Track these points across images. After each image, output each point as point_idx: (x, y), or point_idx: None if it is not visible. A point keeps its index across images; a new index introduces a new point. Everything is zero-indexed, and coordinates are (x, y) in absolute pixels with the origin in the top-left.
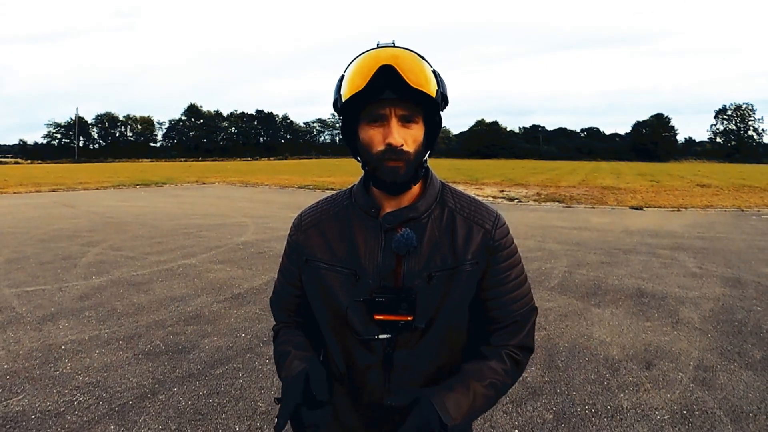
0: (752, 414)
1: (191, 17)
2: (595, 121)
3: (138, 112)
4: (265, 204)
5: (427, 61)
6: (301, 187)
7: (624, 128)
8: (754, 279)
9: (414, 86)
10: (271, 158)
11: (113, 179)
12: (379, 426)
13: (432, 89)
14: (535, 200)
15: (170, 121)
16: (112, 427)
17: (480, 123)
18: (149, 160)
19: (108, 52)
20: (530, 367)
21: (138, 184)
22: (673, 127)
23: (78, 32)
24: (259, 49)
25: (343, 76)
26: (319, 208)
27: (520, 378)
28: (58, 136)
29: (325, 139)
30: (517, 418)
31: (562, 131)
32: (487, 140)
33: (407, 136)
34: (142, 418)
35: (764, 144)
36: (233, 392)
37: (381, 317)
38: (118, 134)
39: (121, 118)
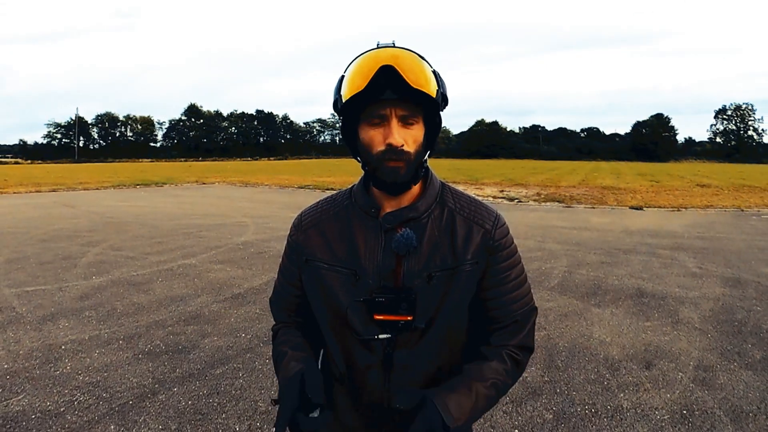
0: (752, 414)
1: (191, 17)
2: (595, 121)
3: (138, 112)
4: (265, 204)
5: (427, 62)
6: (301, 187)
7: (624, 128)
8: (754, 279)
9: (414, 86)
10: (271, 158)
11: (113, 179)
12: (379, 426)
13: (432, 89)
14: (535, 200)
15: (170, 121)
16: (112, 427)
17: (480, 123)
18: (149, 160)
19: (108, 52)
20: (530, 367)
21: (138, 184)
22: (673, 127)
23: (78, 32)
24: (259, 49)
25: (343, 77)
26: (319, 208)
27: (520, 378)
28: (58, 136)
29: (325, 139)
30: (517, 418)
31: (562, 131)
32: (487, 140)
33: (408, 137)
34: (143, 418)
35: (764, 144)
36: (233, 392)
37: (381, 317)
38: (118, 134)
39: (121, 118)
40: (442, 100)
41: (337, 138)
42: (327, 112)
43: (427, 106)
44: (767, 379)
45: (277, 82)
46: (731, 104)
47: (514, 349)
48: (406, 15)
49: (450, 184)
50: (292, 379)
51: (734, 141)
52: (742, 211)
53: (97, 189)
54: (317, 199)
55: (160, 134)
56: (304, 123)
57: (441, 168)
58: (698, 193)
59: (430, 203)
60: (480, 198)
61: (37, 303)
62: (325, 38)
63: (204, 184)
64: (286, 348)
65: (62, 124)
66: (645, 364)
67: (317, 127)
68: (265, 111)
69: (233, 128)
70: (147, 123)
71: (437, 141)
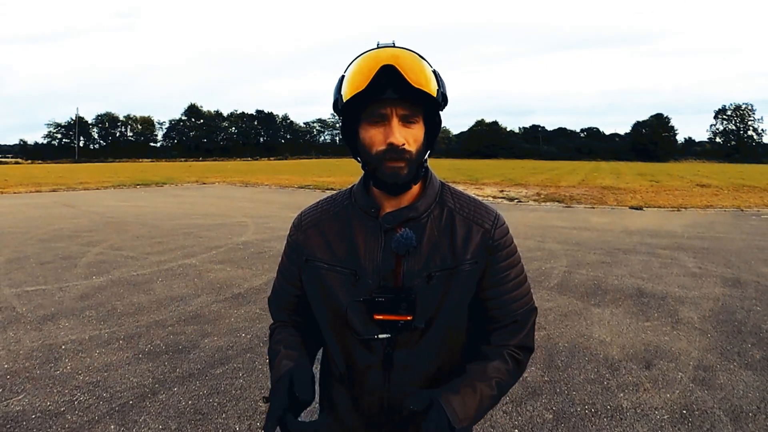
0: (752, 414)
1: (191, 17)
2: (595, 121)
3: (138, 112)
4: (265, 204)
5: (426, 61)
6: (301, 187)
7: (624, 128)
8: (753, 279)
9: (415, 86)
10: (271, 158)
11: (113, 179)
12: (379, 426)
13: (433, 89)
14: (534, 200)
15: (170, 121)
16: (112, 426)
17: (480, 123)
18: (149, 160)
19: (108, 52)
20: (530, 367)
21: (138, 184)
22: (672, 127)
23: (78, 32)
24: (259, 49)
25: (343, 77)
26: (319, 208)
27: (520, 378)
28: (59, 136)
29: (325, 139)
30: (517, 418)
31: (561, 131)
32: (487, 140)
33: (408, 136)
34: (143, 417)
35: (764, 144)
36: (233, 392)
37: (381, 317)
38: (118, 134)
39: (121, 118)
40: (442, 99)
41: (337, 138)
42: (327, 112)
43: (428, 106)
44: (767, 379)
45: (277, 82)
46: (731, 104)
47: (515, 349)
48: (406, 15)
49: (449, 184)
50: (282, 377)
51: (734, 141)
52: (742, 211)
53: (98, 189)
54: (317, 199)
55: (160, 134)
56: (304, 123)
57: (441, 168)
58: (698, 193)
59: (430, 203)
60: (480, 198)
61: (37, 303)
62: (325, 38)
63: (204, 184)
64: (280, 346)
65: (62, 124)
66: (645, 364)
67: (317, 127)
68: (265, 111)
69: (233, 128)
70: (147, 123)
71: (437, 141)
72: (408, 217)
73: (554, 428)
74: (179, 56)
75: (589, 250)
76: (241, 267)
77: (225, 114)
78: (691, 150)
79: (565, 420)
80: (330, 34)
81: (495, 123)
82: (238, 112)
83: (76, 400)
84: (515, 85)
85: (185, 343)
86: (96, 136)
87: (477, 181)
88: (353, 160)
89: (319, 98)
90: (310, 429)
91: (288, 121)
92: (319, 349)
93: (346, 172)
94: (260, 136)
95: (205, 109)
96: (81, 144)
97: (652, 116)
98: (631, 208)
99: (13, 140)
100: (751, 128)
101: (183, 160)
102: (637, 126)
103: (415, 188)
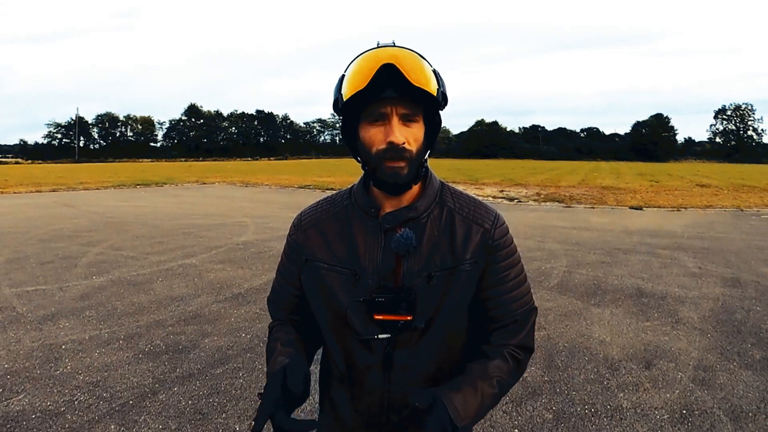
0: (752, 414)
1: (191, 17)
2: (595, 121)
3: (138, 112)
4: (265, 204)
5: (426, 61)
6: (301, 187)
7: (624, 128)
8: (753, 279)
9: (415, 85)
10: (271, 158)
11: (113, 179)
12: (379, 426)
13: (433, 88)
14: (534, 200)
15: (170, 121)
16: (112, 426)
17: (480, 123)
18: (149, 160)
19: (108, 52)
20: (530, 367)
21: (138, 184)
22: (672, 127)
23: (78, 32)
24: (259, 49)
25: (343, 76)
26: (319, 208)
27: (520, 378)
28: (59, 136)
29: (325, 139)
30: (517, 417)
31: (561, 131)
32: (487, 140)
33: (408, 135)
34: (143, 417)
35: (764, 144)
36: (233, 392)
37: (381, 317)
38: (118, 134)
39: (121, 118)
40: (442, 99)
41: (337, 138)
42: (327, 112)
43: (428, 105)
44: (767, 379)
45: (277, 82)
46: (731, 104)
47: (515, 349)
48: (406, 15)
49: (449, 184)
50: (276, 372)
51: (734, 141)
52: (742, 211)
53: (98, 189)
54: (317, 199)
55: (160, 134)
56: (304, 123)
57: (441, 168)
58: (698, 193)
59: (430, 203)
60: (480, 198)
61: (37, 303)
62: (325, 38)
63: (204, 184)
64: (277, 344)
65: (62, 124)
66: (645, 364)
67: (317, 127)
68: (265, 111)
69: (233, 128)
70: (147, 123)
71: (437, 140)
72: (408, 217)
73: (554, 428)
74: (179, 56)
75: (589, 250)
76: (241, 267)
77: (225, 114)
78: (691, 150)
79: (565, 420)
80: (330, 34)
81: (495, 123)
82: (238, 112)
83: (76, 400)
84: (515, 85)
85: (185, 343)
86: (96, 136)
87: (477, 181)
88: (353, 160)
89: (319, 98)
90: (300, 426)
91: (288, 121)
92: (318, 348)
93: (346, 172)
94: (260, 136)
95: (205, 109)
96: (81, 144)
97: (652, 116)
98: (631, 208)
99: (13, 140)
100: (751, 128)
101: (183, 160)
102: (637, 126)
103: (415, 188)
